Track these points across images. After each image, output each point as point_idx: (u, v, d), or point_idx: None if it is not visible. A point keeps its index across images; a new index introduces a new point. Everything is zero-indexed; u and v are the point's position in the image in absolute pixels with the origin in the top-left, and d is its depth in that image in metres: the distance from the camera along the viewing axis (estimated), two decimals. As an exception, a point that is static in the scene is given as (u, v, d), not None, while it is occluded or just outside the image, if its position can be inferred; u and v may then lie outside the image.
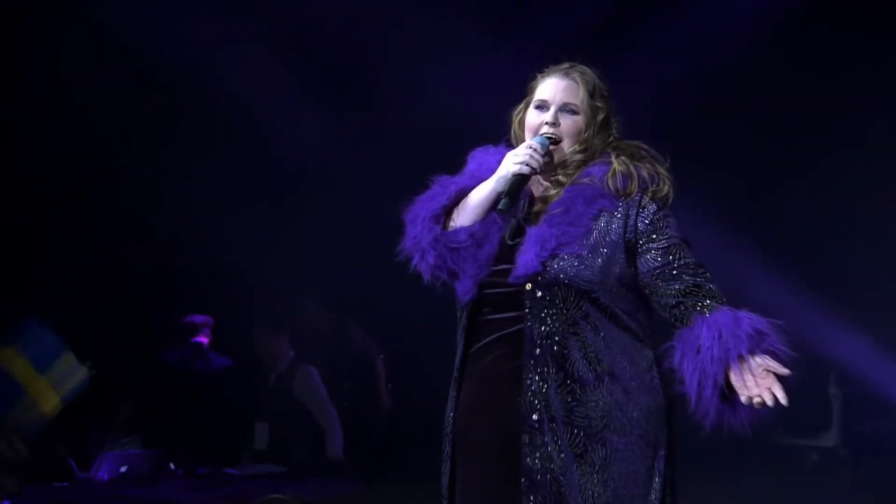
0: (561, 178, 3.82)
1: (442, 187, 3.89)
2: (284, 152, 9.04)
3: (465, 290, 3.77)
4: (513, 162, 3.77)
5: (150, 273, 8.78)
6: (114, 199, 8.69)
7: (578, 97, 3.85)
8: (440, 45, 8.57)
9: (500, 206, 3.74)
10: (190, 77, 8.64)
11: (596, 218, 3.70)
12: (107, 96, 8.53)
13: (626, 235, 3.69)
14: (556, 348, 3.63)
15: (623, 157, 3.80)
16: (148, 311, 8.74)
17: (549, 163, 3.82)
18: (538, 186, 3.89)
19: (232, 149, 9.00)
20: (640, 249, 3.68)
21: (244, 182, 9.09)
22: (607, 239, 3.68)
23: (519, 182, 3.77)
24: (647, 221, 3.69)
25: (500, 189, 3.78)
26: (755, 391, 3.42)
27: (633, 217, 3.69)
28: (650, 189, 3.73)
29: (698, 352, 3.49)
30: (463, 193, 3.87)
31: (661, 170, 3.80)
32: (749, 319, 3.49)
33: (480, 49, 8.60)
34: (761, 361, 3.43)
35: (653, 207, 3.72)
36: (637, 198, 3.71)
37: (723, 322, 3.49)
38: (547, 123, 3.85)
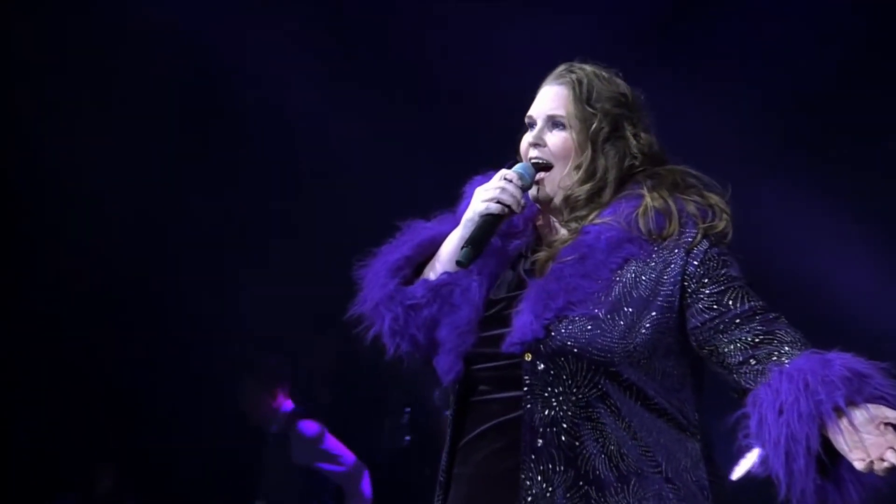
0: (569, 219, 3.22)
1: (411, 235, 3.34)
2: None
3: (445, 367, 3.18)
4: (481, 199, 3.19)
5: (134, 303, 8.20)
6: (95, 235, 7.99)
7: (565, 106, 3.21)
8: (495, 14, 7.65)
9: (458, 258, 3.16)
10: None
11: (620, 268, 3.10)
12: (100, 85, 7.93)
13: (665, 288, 3.08)
14: (563, 438, 3.04)
15: (659, 189, 3.17)
16: (134, 349, 8.11)
17: (539, 196, 3.23)
18: (546, 227, 3.28)
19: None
20: (688, 300, 3.07)
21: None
22: (634, 295, 3.07)
23: (488, 224, 3.18)
24: (696, 263, 3.08)
25: (465, 235, 3.21)
26: (873, 453, 2.76)
27: (676, 264, 3.08)
28: (701, 226, 3.10)
29: (780, 412, 2.87)
30: (436, 243, 3.32)
31: (716, 200, 3.17)
32: (842, 360, 2.88)
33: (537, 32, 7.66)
34: (868, 414, 2.80)
35: (704, 245, 3.10)
36: (686, 238, 3.11)
37: (807, 368, 2.88)
38: (530, 145, 3.24)
